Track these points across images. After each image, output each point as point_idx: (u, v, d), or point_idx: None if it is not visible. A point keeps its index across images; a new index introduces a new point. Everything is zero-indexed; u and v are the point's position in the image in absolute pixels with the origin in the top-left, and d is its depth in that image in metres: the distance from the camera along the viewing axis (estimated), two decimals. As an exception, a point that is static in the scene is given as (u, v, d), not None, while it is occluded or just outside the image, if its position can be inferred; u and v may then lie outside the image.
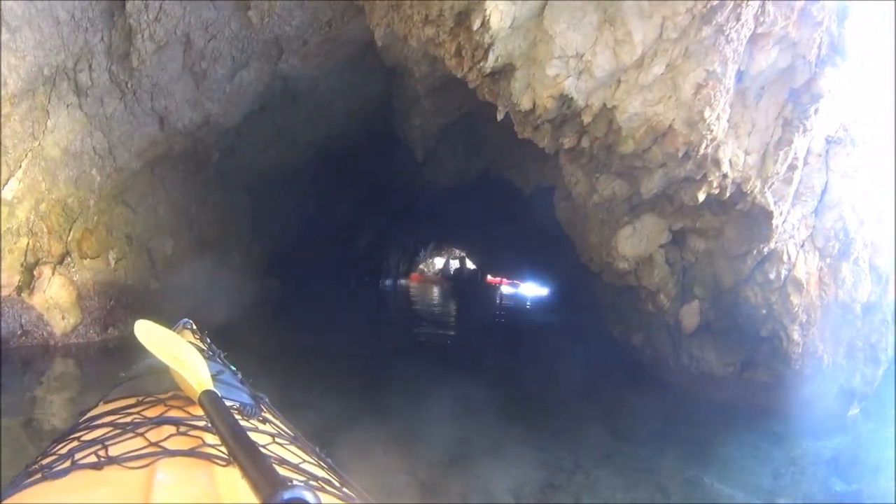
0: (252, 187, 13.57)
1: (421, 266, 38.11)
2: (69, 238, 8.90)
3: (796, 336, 7.87)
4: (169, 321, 2.41)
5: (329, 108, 12.13)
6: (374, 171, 17.96)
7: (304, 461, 1.57)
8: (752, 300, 7.93)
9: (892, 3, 7.29)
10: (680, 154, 6.35)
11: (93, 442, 1.51)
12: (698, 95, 6.02)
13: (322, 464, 1.64)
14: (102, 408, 1.86)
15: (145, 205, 10.39)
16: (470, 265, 39.12)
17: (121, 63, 8.10)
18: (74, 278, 8.98)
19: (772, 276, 7.67)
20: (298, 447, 1.68)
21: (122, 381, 2.13)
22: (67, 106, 8.04)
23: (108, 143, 8.64)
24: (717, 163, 6.55)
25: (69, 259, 8.96)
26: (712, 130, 6.18)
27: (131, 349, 2.29)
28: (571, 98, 6.10)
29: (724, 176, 6.67)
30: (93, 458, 1.40)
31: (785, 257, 7.64)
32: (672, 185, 7.08)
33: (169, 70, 8.48)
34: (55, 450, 1.56)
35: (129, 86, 8.25)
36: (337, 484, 1.49)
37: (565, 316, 18.32)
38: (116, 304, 9.69)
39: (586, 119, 6.28)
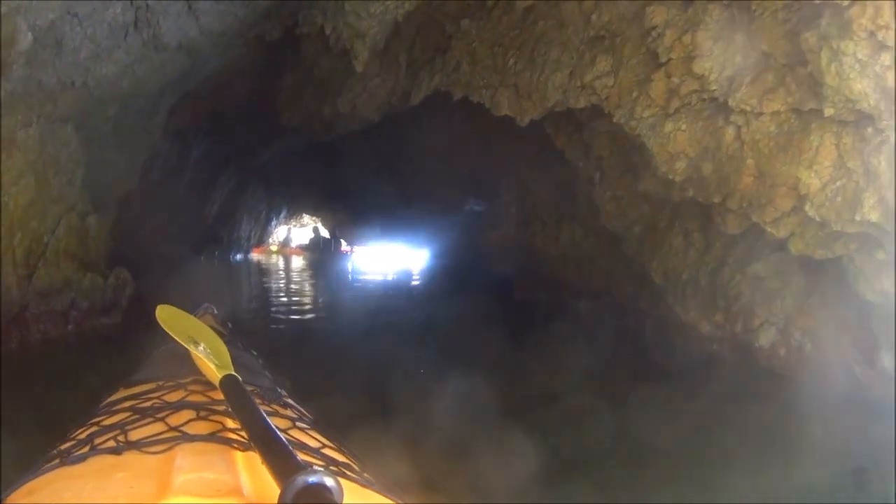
0: (86, 122, 8.30)
1: (270, 238, 32.93)
2: None
3: None
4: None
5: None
6: (254, 106, 12.99)
7: (325, 446, 1.54)
8: None
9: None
10: None
11: (112, 427, 1.48)
12: None
13: (342, 449, 1.61)
14: (122, 393, 1.83)
15: None
16: (324, 233, 34.68)
17: None
18: None
19: None
20: (318, 432, 1.65)
21: (142, 366, 2.14)
22: None
23: None
24: None
25: None
26: None
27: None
28: None
29: None
30: (112, 444, 1.38)
31: None
32: None
33: None
34: (74, 435, 1.53)
35: None
36: (357, 469, 1.46)
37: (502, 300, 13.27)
38: None
39: None
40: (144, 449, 1.33)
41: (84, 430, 1.54)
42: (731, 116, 6.33)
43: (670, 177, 7.25)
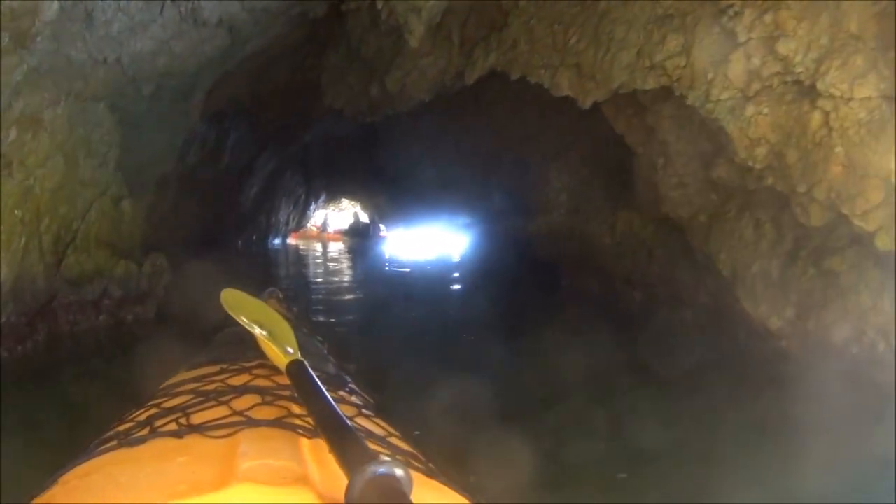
0: (120, 101, 7.81)
1: (309, 222, 32.53)
2: None
3: None
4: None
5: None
6: (295, 86, 12.50)
7: (390, 434, 1.52)
8: None
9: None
10: None
11: (174, 410, 1.45)
12: None
13: (407, 438, 1.58)
14: (184, 375, 1.81)
15: None
16: (363, 217, 34.30)
17: None
18: None
19: None
20: (384, 420, 1.63)
21: (204, 349, 2.16)
22: None
23: None
24: None
25: None
26: None
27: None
28: None
29: None
30: (173, 426, 1.35)
31: None
32: None
33: None
34: (133, 416, 1.52)
35: None
36: (422, 459, 1.44)
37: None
38: None
39: None
40: (207, 433, 1.29)
41: (143, 412, 1.50)
42: (817, 101, 5.83)
43: (750, 163, 6.80)
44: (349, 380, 1.97)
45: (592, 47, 7.93)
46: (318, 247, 29.62)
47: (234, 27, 8.31)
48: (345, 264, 22.49)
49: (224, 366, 1.79)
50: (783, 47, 6.00)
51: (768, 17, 6.16)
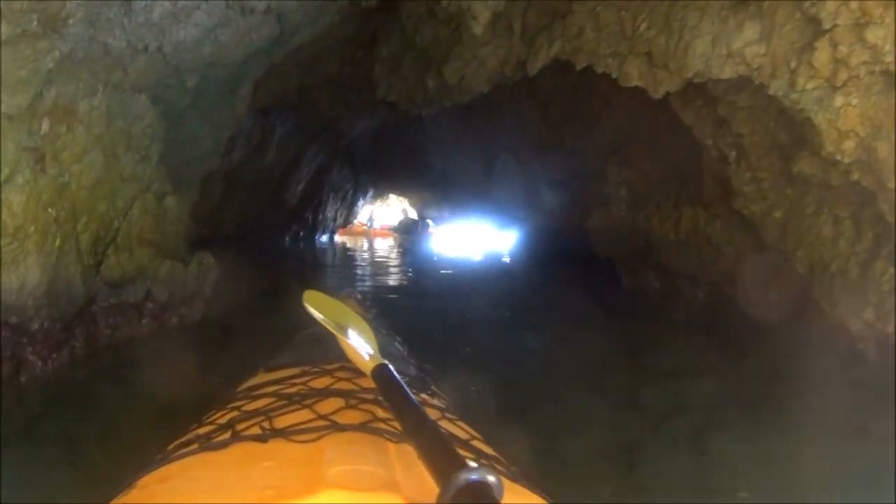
0: (163, 93, 7.43)
1: (356, 218, 32.18)
2: None
3: None
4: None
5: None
6: (345, 79, 12.10)
7: (473, 438, 1.51)
8: None
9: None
10: None
11: (256, 413, 1.44)
12: None
13: (489, 441, 1.58)
14: (264, 377, 1.83)
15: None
16: (412, 213, 34.05)
17: None
18: None
19: None
20: (466, 423, 1.62)
21: (283, 350, 2.19)
22: None
23: None
24: None
25: None
26: None
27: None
28: None
29: None
30: (256, 430, 1.33)
31: None
32: None
33: None
34: (213, 419, 1.50)
35: None
36: (505, 462, 1.44)
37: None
38: None
39: None
40: (292, 437, 1.27)
41: (224, 415, 1.49)
42: (906, 92, 5.44)
43: (837, 157, 6.46)
44: (430, 381, 1.97)
45: (664, 35, 7.57)
46: (366, 244, 29.08)
47: (283, 16, 7.90)
48: (399, 266, 21.51)
49: (305, 368, 1.78)
50: (872, 35, 5.70)
51: (854, 3, 5.84)
